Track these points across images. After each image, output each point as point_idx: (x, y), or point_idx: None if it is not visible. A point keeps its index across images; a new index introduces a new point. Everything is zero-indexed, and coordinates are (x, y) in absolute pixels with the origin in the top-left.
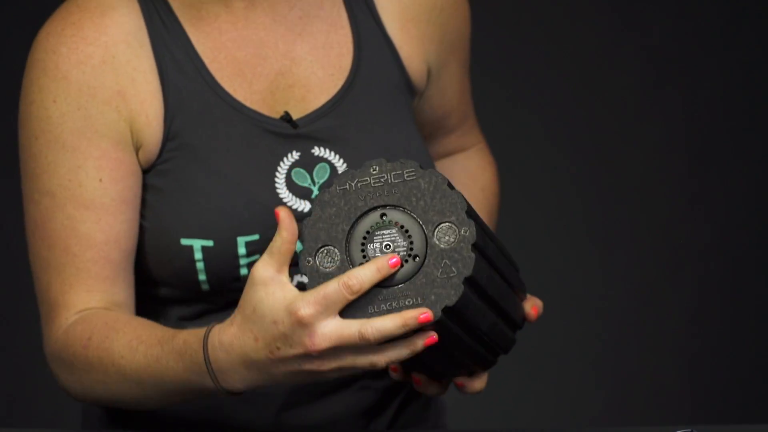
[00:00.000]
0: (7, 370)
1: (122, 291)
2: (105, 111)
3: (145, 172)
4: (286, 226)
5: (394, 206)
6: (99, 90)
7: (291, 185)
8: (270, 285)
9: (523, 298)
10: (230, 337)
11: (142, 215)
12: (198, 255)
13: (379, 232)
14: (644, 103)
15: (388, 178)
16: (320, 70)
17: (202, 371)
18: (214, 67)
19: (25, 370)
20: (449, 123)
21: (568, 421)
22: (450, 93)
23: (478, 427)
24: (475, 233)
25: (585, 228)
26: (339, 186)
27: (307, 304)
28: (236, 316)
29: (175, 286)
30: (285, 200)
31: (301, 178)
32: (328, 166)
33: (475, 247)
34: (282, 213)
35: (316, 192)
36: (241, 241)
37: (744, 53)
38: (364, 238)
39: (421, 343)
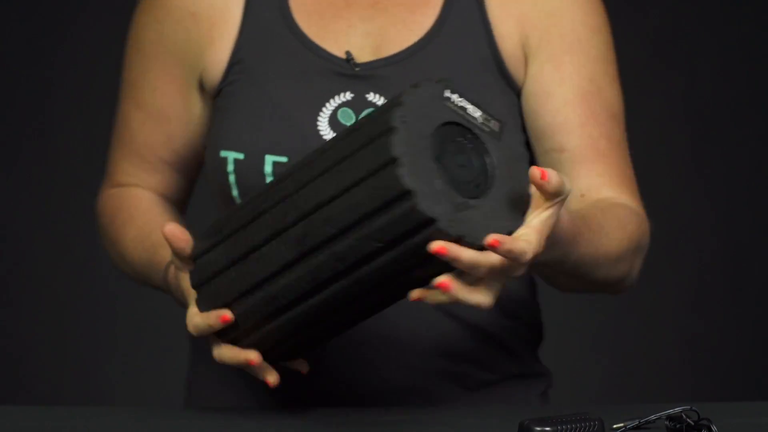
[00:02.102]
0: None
1: (158, 183)
2: (177, 30)
3: (215, 96)
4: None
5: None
6: (175, 10)
7: (334, 122)
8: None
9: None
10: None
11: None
12: (230, 167)
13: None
14: (644, 83)
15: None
16: (400, 24)
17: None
18: (295, 2)
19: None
20: (558, 143)
21: (570, 399)
22: (560, 101)
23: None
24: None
25: None
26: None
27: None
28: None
29: (220, 207)
30: (322, 133)
31: (347, 118)
32: None
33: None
34: (169, 228)
35: None
36: (269, 159)
37: (744, 32)
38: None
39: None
